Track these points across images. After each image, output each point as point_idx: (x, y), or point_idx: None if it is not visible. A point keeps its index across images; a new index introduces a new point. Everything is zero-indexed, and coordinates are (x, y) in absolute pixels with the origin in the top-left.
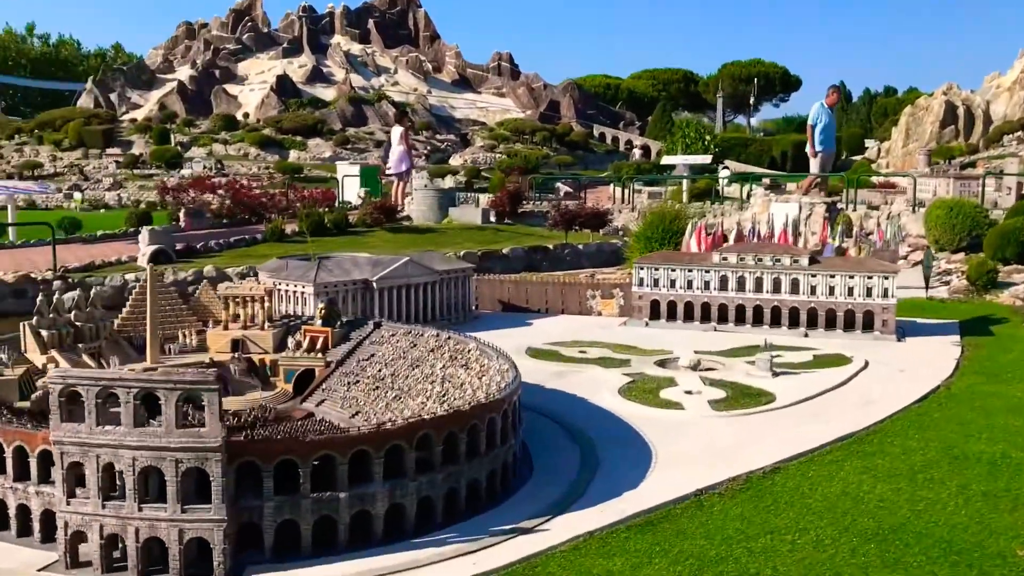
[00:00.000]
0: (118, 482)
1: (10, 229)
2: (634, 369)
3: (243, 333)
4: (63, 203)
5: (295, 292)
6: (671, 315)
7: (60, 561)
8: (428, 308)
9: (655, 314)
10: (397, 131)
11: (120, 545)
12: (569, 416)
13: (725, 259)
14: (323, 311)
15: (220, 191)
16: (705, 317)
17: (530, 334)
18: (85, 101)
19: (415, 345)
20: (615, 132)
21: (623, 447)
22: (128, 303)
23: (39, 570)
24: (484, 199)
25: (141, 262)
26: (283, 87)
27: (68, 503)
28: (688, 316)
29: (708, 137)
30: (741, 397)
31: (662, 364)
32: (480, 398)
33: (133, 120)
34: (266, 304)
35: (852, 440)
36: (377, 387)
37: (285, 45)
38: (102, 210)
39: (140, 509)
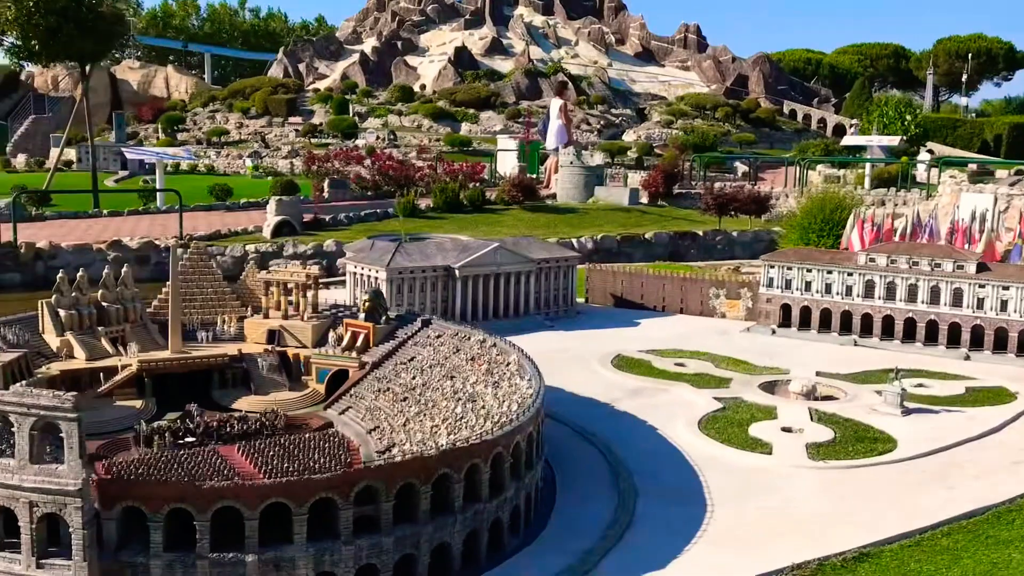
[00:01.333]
0: None
1: (158, 195)
2: (732, 392)
3: (282, 323)
4: (239, 170)
5: (368, 276)
6: (804, 323)
7: None
8: (521, 301)
9: (786, 320)
10: (556, 104)
11: None
12: (623, 450)
13: (873, 260)
14: (366, 304)
15: (366, 163)
16: (845, 328)
17: (631, 337)
18: (275, 71)
19: (458, 350)
20: (807, 109)
21: (672, 502)
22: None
23: None
24: (635, 178)
25: (265, 232)
26: (461, 59)
27: None
28: (824, 325)
29: (908, 117)
30: (852, 442)
31: (769, 388)
32: (471, 437)
33: (316, 90)
34: (310, 292)
35: (984, 518)
36: (405, 398)
37: (467, 16)
38: (269, 177)
39: None
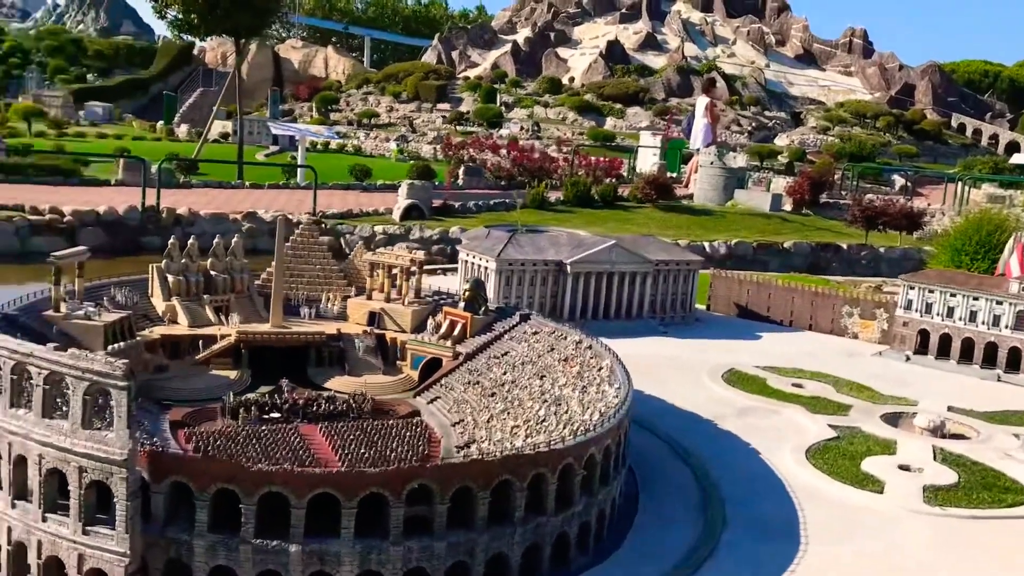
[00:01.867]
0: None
1: (298, 171)
2: (849, 420)
3: (383, 306)
4: (385, 152)
5: (480, 265)
6: (943, 351)
7: None
8: (635, 302)
9: (922, 347)
10: (702, 103)
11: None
12: (719, 473)
13: None
14: (466, 293)
15: (501, 152)
16: (988, 361)
17: (749, 350)
18: (429, 57)
19: (552, 349)
20: (978, 124)
21: (762, 535)
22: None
23: None
24: (779, 183)
25: (395, 215)
26: (612, 53)
27: None
28: (965, 356)
29: None
30: (978, 489)
31: (891, 419)
32: (547, 443)
33: (466, 78)
34: (414, 276)
35: None
36: (493, 393)
37: (623, 10)
38: (411, 161)
39: (44, 520)
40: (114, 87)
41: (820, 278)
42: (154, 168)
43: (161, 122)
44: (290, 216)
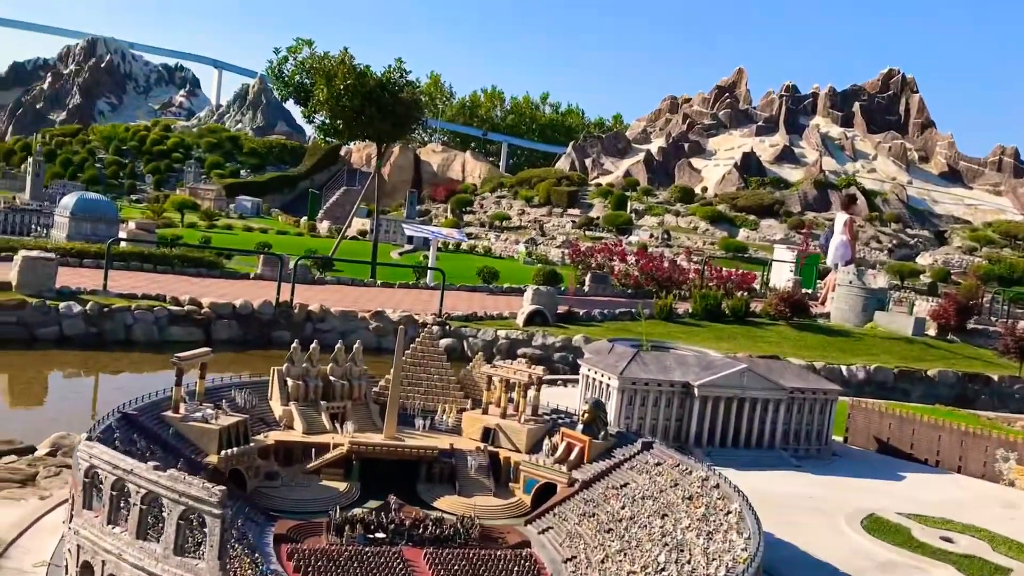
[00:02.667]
0: None
1: (428, 272)
2: None
3: (498, 422)
4: (513, 254)
5: (601, 382)
6: None
7: None
8: (766, 432)
9: None
10: (841, 219)
11: None
12: None
13: None
14: (585, 415)
15: (629, 259)
16: None
17: (891, 494)
18: (563, 164)
19: (676, 484)
20: None
21: None
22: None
23: None
24: (922, 306)
25: (519, 320)
26: (747, 165)
27: None
28: None
29: None
30: None
31: None
32: None
33: (598, 184)
34: (532, 392)
35: None
36: (610, 529)
37: (760, 123)
38: (538, 264)
39: None
40: (264, 182)
41: (968, 413)
42: (292, 264)
43: (305, 217)
44: (416, 316)
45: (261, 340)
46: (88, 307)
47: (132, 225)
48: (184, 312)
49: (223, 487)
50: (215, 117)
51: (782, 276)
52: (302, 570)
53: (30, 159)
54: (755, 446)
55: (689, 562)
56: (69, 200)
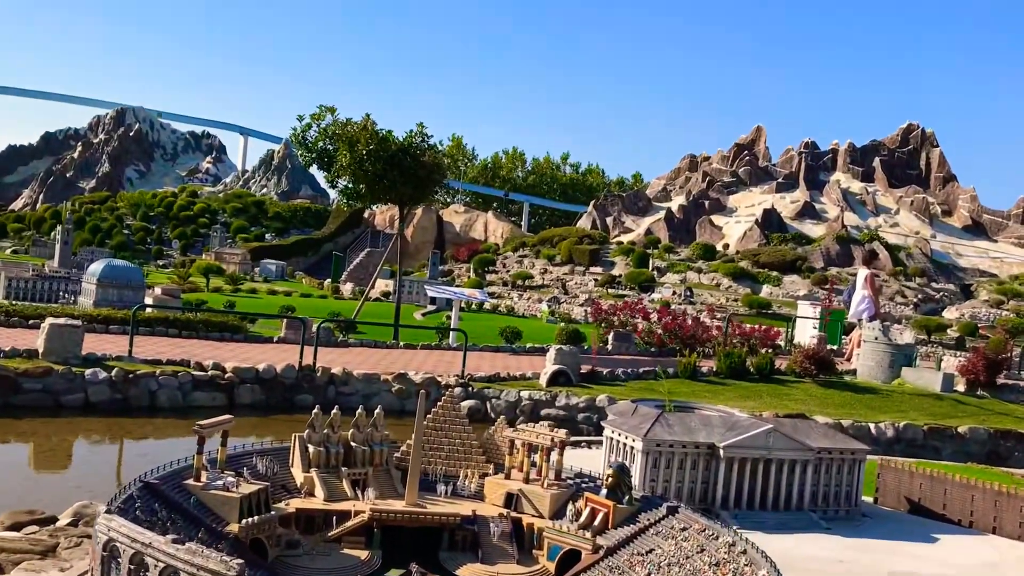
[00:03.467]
0: None
1: (451, 333)
2: None
3: (521, 487)
4: (536, 313)
5: (625, 444)
6: None
7: None
8: (794, 493)
9: None
10: (862, 274)
11: None
12: None
13: None
14: (608, 480)
15: (651, 317)
16: None
17: (924, 557)
18: (584, 222)
19: (702, 550)
20: None
21: None
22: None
23: None
24: (950, 361)
25: (542, 380)
26: (769, 221)
27: None
28: None
29: None
30: None
31: None
32: None
33: (620, 243)
34: (555, 456)
35: None
36: None
37: (780, 180)
38: (561, 323)
39: None
40: (288, 246)
41: (1002, 471)
42: (314, 327)
43: (328, 280)
44: (439, 378)
45: (284, 404)
46: (113, 373)
47: (158, 291)
48: (208, 377)
49: (240, 560)
50: (241, 182)
51: (806, 332)
52: None
53: (59, 227)
54: (783, 508)
55: None
56: (96, 267)
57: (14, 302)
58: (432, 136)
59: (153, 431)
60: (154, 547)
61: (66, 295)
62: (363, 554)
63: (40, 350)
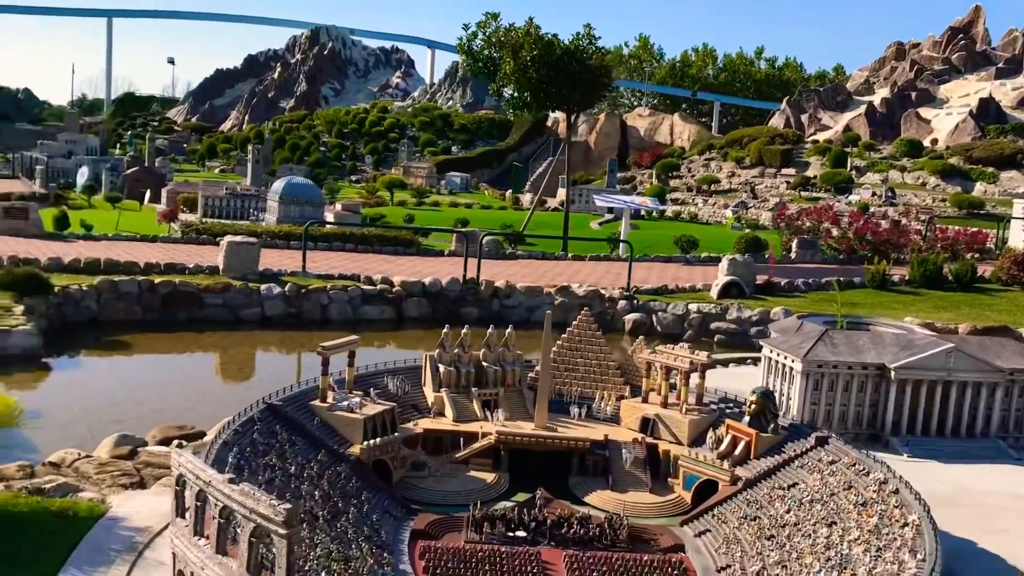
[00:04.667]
0: None
1: (621, 245)
2: None
3: (658, 412)
4: (721, 219)
5: (784, 364)
6: None
7: None
8: (978, 419)
9: None
10: None
11: None
12: None
13: None
14: (751, 406)
15: (842, 222)
16: None
17: None
18: (777, 121)
19: (849, 487)
20: None
21: None
22: (554, 349)
23: None
24: None
25: (712, 292)
26: (985, 111)
27: None
28: None
29: None
30: None
31: None
32: None
33: (815, 141)
34: (695, 380)
35: None
36: (770, 536)
37: (1000, 65)
38: (746, 229)
39: None
40: (473, 158)
41: None
42: (480, 239)
43: (510, 191)
44: (603, 291)
45: (449, 317)
46: (287, 288)
47: (339, 207)
48: (376, 291)
49: (289, 505)
50: (428, 96)
51: (1020, 236)
52: (432, 570)
53: (250, 146)
54: (964, 435)
55: None
56: (278, 185)
57: (205, 220)
58: (600, 38)
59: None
60: (214, 485)
61: (255, 212)
62: (490, 477)
63: (220, 267)
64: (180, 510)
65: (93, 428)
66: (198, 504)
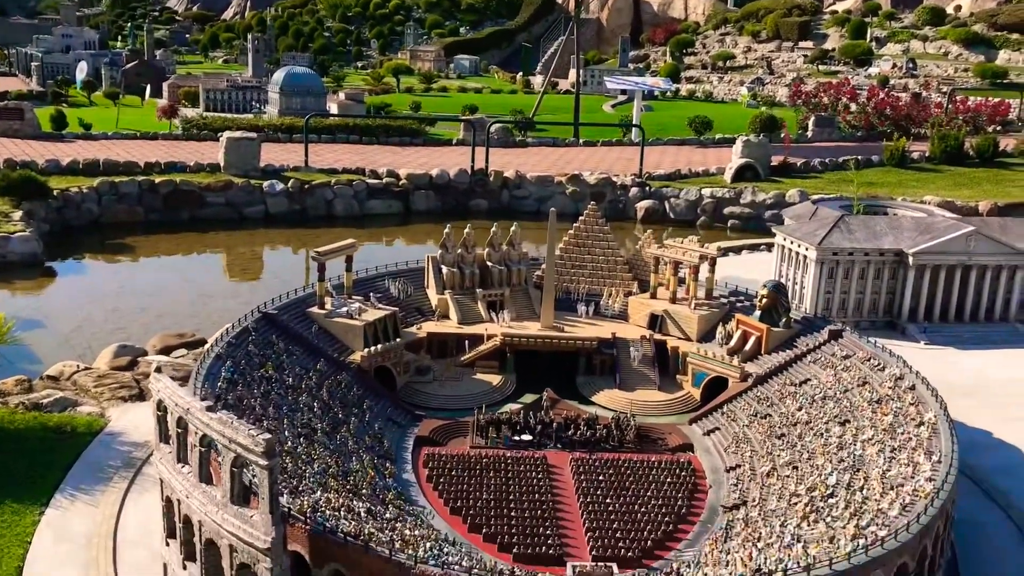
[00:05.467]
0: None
1: (634, 129)
2: None
3: (667, 308)
4: (736, 97)
5: (797, 254)
6: None
7: None
8: (997, 303)
9: None
10: None
11: None
12: None
13: None
14: (763, 300)
15: (860, 98)
16: None
17: None
18: None
19: (864, 383)
20: None
21: None
22: (560, 246)
23: None
24: None
25: (726, 176)
26: None
27: (167, 544)
28: None
29: None
30: None
31: None
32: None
33: (834, 12)
34: (704, 274)
35: None
36: (781, 435)
37: None
38: (762, 107)
39: None
40: (482, 39)
41: None
42: (488, 128)
43: (520, 73)
44: (614, 178)
45: (459, 209)
46: (290, 184)
47: (342, 96)
48: (383, 184)
49: (268, 435)
50: None
51: None
52: (435, 478)
53: (249, 35)
54: (984, 319)
55: (862, 488)
56: (279, 76)
57: (205, 115)
58: None
59: (330, 240)
60: (193, 413)
61: (256, 105)
62: (496, 379)
63: (221, 164)
64: (163, 435)
65: (95, 336)
66: (179, 431)
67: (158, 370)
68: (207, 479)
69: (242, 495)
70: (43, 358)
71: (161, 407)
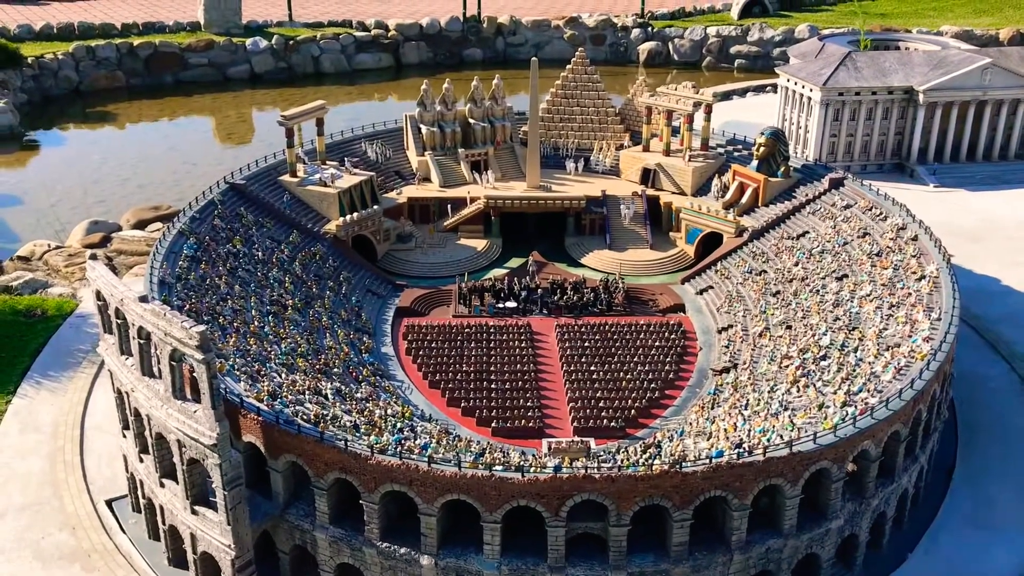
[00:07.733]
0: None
1: None
2: None
3: (659, 161)
4: None
5: (800, 95)
6: None
7: None
8: (1013, 140)
9: None
10: None
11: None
12: None
13: None
14: (760, 148)
15: None
16: None
17: None
18: None
19: (865, 234)
20: None
21: None
22: (547, 99)
23: None
24: None
25: (733, 12)
26: None
27: (124, 435)
28: None
29: None
30: None
31: None
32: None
33: None
34: (699, 123)
35: None
36: (776, 293)
37: None
38: None
39: (162, 485)
40: None
41: None
42: None
43: None
44: (615, 19)
45: (452, 60)
46: (274, 41)
47: None
48: (371, 37)
49: (202, 328)
50: None
51: None
52: (414, 351)
53: None
54: (998, 158)
55: (856, 350)
56: None
57: None
58: None
59: (318, 98)
60: (127, 303)
61: None
62: (481, 244)
63: (201, 21)
64: (107, 325)
65: (75, 210)
66: (119, 322)
67: (93, 257)
68: (149, 372)
69: (186, 389)
70: (20, 236)
71: (100, 297)
